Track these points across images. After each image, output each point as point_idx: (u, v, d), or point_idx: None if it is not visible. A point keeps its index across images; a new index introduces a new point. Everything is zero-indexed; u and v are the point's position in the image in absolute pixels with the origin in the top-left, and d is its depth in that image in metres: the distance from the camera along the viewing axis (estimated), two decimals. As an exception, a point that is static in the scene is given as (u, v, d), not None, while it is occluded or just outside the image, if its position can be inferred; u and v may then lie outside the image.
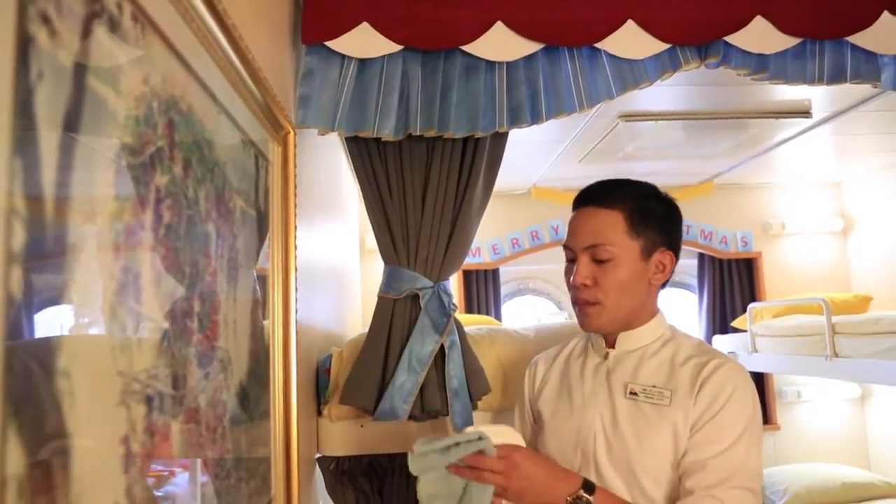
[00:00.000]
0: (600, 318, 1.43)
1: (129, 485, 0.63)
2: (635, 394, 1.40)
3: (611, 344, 1.49)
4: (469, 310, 4.75)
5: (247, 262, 1.13)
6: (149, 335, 0.69)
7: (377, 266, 1.90)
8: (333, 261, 2.83)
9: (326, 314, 2.40)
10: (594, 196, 1.46)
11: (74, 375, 0.54)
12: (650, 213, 1.45)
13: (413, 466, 1.24)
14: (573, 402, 1.46)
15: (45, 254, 0.52)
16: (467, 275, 4.86)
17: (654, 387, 1.40)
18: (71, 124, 0.55)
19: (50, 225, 0.52)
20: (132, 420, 0.64)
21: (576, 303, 1.45)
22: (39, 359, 0.51)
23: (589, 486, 1.28)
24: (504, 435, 1.31)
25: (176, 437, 0.75)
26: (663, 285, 1.53)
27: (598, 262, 1.41)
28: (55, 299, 0.54)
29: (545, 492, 1.27)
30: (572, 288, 1.44)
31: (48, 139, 0.52)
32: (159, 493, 0.73)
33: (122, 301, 0.63)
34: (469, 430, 1.28)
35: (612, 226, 1.41)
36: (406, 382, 1.73)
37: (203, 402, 0.86)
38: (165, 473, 0.80)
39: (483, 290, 4.85)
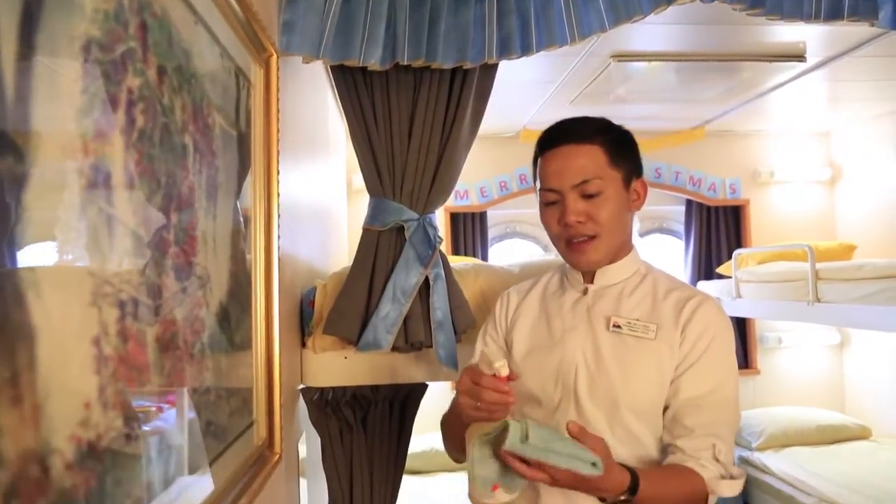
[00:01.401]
0: (598, 252, 1.42)
1: (101, 386, 0.62)
2: (619, 327, 1.40)
3: (589, 279, 1.49)
4: (456, 252, 4.75)
5: (227, 183, 1.11)
6: (121, 239, 0.68)
7: (364, 206, 1.88)
8: (319, 197, 2.80)
9: (311, 249, 2.39)
10: (566, 134, 1.44)
11: (39, 269, 0.53)
12: (623, 143, 1.45)
13: (513, 446, 1.12)
14: (552, 337, 1.46)
15: (5, 142, 0.50)
16: (455, 217, 4.85)
17: (637, 320, 1.40)
18: (32, 8, 0.53)
19: (10, 111, 0.50)
20: (104, 322, 0.63)
21: (568, 242, 1.44)
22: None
23: (634, 488, 1.22)
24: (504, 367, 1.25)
25: (151, 345, 0.74)
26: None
27: (588, 197, 1.40)
28: (15, 190, 0.52)
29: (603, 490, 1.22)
30: (564, 227, 1.42)
31: (7, 22, 0.49)
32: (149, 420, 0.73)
33: (90, 199, 0.61)
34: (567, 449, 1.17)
35: (596, 160, 1.40)
36: (390, 313, 1.73)
37: (180, 315, 0.85)
38: (153, 409, 0.80)
39: (470, 232, 4.84)
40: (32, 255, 0.53)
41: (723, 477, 1.32)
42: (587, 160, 1.40)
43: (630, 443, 1.35)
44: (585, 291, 1.47)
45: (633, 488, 1.21)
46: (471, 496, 1.30)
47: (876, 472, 3.90)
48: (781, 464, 4.14)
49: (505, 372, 1.23)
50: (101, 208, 0.63)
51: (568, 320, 1.46)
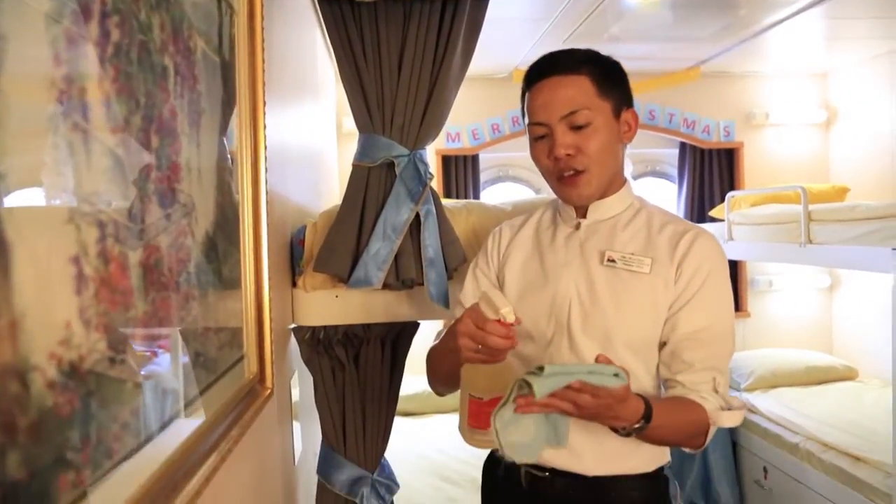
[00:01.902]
0: (590, 186, 1.40)
1: (82, 306, 0.60)
2: (613, 261, 1.39)
3: (581, 214, 1.47)
4: (448, 195, 4.72)
5: (211, 111, 1.07)
6: (98, 158, 0.65)
7: (354, 150, 1.84)
8: (308, 137, 2.76)
9: (301, 190, 2.36)
10: (553, 66, 1.41)
11: (12, 181, 0.51)
12: (611, 73, 1.42)
13: (538, 387, 1.09)
14: (545, 273, 1.45)
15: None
16: (446, 160, 4.80)
17: (632, 254, 1.39)
18: None
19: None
20: (83, 242, 0.61)
21: (559, 177, 1.41)
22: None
23: (648, 415, 1.23)
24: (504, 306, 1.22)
25: (134, 269, 0.73)
26: None
27: (576, 129, 1.37)
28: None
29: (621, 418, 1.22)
30: (553, 161, 1.40)
31: None
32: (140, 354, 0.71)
33: (64, 112, 0.59)
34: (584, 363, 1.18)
35: (583, 90, 1.37)
36: (381, 250, 1.71)
37: (164, 242, 0.83)
38: (148, 354, 0.78)
39: (462, 175, 4.80)
40: (2, 168, 0.50)
41: (723, 408, 1.33)
42: (574, 91, 1.37)
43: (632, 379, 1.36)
44: (578, 226, 1.46)
45: (648, 416, 1.22)
46: (463, 436, 1.31)
47: (861, 411, 3.97)
48: (769, 404, 4.21)
49: (511, 318, 1.20)
50: (75, 122, 0.60)
51: (561, 256, 1.44)
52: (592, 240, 1.44)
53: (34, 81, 0.55)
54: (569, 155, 1.38)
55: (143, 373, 0.76)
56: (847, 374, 4.59)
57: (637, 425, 1.22)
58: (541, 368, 1.10)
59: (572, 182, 1.40)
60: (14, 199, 0.51)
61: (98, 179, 0.65)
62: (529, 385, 1.09)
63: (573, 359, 1.38)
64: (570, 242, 1.45)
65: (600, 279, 1.39)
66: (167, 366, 0.85)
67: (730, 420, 1.33)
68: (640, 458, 1.40)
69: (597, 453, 1.38)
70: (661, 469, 1.45)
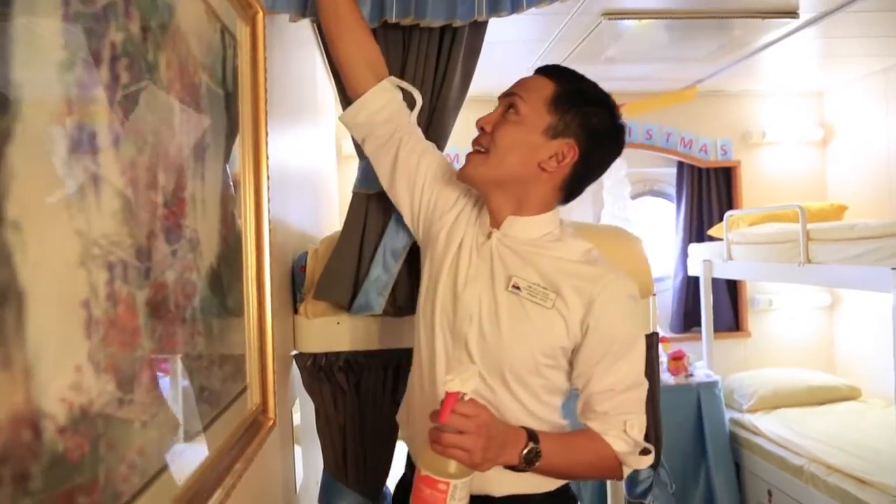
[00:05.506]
0: (476, 170, 1.40)
1: (92, 349, 0.61)
2: (518, 288, 1.35)
3: (496, 224, 1.44)
4: (447, 217, 4.72)
5: (215, 144, 1.08)
6: (108, 200, 0.66)
7: (354, 172, 1.84)
8: (309, 161, 2.77)
9: (302, 215, 2.37)
10: (546, 69, 1.43)
11: (26, 229, 0.51)
12: (577, 96, 1.38)
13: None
14: (457, 279, 1.41)
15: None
16: (445, 182, 4.80)
17: (537, 284, 1.35)
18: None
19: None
20: (93, 284, 0.61)
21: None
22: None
23: (534, 437, 1.26)
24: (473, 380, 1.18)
25: (142, 309, 0.73)
26: (566, 199, 1.45)
27: (507, 111, 1.38)
28: None
29: (503, 449, 1.23)
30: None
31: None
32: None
33: (77, 159, 0.59)
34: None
35: (537, 89, 1.37)
36: (381, 276, 1.71)
37: (171, 278, 0.83)
38: (154, 391, 0.78)
39: (461, 197, 4.80)
40: (18, 211, 0.51)
41: (627, 444, 1.34)
42: (531, 85, 1.39)
43: (512, 402, 1.36)
44: (489, 235, 1.42)
45: (534, 437, 1.25)
46: None
47: (865, 432, 3.94)
48: (772, 425, 4.19)
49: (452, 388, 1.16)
50: (86, 166, 0.61)
51: (474, 266, 1.41)
52: (502, 257, 1.39)
53: (48, 129, 0.56)
54: (482, 129, 1.41)
55: (149, 411, 0.76)
56: (850, 394, 4.56)
57: (526, 449, 1.23)
58: None
59: (469, 157, 1.42)
60: (28, 246, 0.52)
61: (108, 222, 0.66)
62: None
63: None
64: (482, 252, 1.41)
65: (503, 304, 1.35)
66: (173, 403, 0.85)
67: (637, 463, 1.36)
68: (539, 476, 1.36)
69: (498, 472, 1.31)
70: (566, 487, 1.44)
